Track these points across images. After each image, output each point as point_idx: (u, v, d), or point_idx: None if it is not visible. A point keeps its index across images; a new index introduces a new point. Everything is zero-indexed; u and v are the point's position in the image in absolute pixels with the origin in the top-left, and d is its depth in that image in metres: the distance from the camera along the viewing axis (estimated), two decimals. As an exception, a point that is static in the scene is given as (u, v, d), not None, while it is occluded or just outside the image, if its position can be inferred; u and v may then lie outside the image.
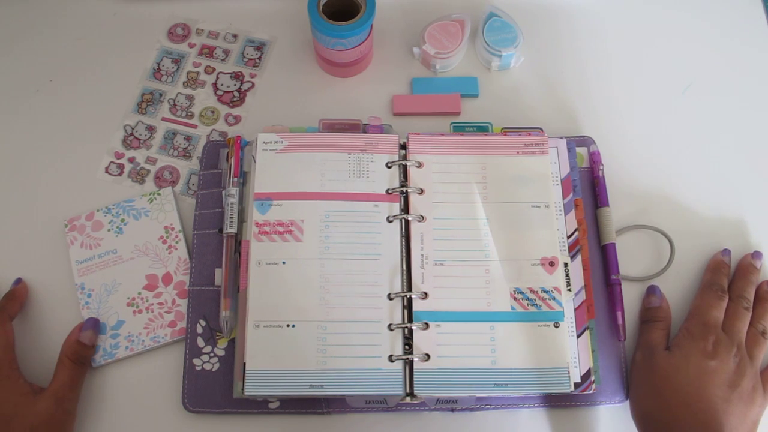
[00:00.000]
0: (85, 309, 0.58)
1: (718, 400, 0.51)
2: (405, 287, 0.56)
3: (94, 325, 0.57)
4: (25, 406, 0.52)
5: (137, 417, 0.56)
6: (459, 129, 0.64)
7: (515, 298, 0.55)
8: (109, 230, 0.61)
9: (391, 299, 0.55)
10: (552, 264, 0.56)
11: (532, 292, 0.55)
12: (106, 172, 0.64)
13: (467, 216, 0.58)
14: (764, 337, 0.56)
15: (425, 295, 0.55)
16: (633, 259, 0.61)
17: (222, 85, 0.68)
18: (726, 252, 0.60)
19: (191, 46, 0.70)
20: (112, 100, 0.67)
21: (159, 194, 0.62)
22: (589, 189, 0.62)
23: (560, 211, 0.59)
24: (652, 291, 0.59)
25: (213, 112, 0.67)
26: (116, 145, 0.65)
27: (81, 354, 0.55)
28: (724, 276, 0.59)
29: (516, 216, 0.58)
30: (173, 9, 0.71)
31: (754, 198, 0.64)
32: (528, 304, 0.55)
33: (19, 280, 0.59)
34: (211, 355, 0.57)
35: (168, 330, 0.57)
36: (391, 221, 0.57)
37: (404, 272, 0.56)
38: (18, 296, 0.58)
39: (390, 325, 0.54)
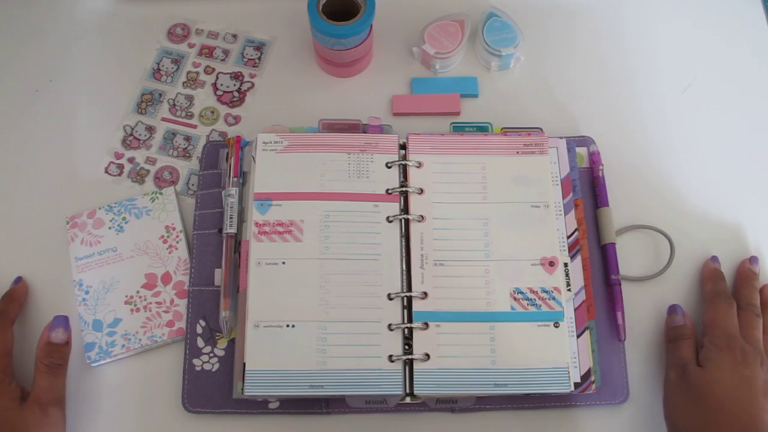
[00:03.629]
0: (82, 305, 0.58)
1: (760, 409, 0.50)
2: (405, 287, 0.56)
3: (64, 323, 0.55)
4: (11, 412, 0.51)
5: (137, 417, 0.56)
6: (459, 129, 0.64)
7: (515, 298, 0.55)
8: (110, 228, 0.61)
9: (390, 299, 0.55)
10: (552, 264, 0.56)
11: (532, 292, 0.55)
12: (106, 172, 0.64)
13: (467, 216, 0.58)
14: None
15: (425, 295, 0.55)
16: (633, 259, 0.61)
17: (222, 85, 0.68)
18: (715, 259, 0.60)
19: (191, 46, 0.70)
20: (112, 101, 0.67)
21: (161, 194, 0.62)
22: (588, 189, 0.62)
23: (560, 211, 0.59)
24: (673, 310, 0.58)
25: (213, 112, 0.67)
26: (116, 145, 0.65)
27: (55, 355, 0.54)
28: (725, 282, 0.58)
29: (516, 216, 0.58)
30: (173, 9, 0.71)
31: (754, 198, 0.64)
32: (528, 304, 0.55)
33: (18, 279, 0.59)
34: (211, 355, 0.57)
35: (165, 330, 0.57)
36: (390, 221, 0.57)
37: (404, 272, 0.56)
38: (17, 297, 0.58)
39: (390, 325, 0.54)
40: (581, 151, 0.63)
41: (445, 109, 0.66)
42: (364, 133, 0.62)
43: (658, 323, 0.59)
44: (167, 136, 0.66)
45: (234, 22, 0.70)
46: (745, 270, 0.59)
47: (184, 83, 0.68)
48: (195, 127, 0.66)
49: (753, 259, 0.60)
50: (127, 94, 0.67)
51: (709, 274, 0.59)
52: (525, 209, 0.58)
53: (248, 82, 0.68)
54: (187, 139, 0.66)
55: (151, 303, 0.58)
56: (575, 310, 0.56)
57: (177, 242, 0.60)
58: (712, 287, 0.58)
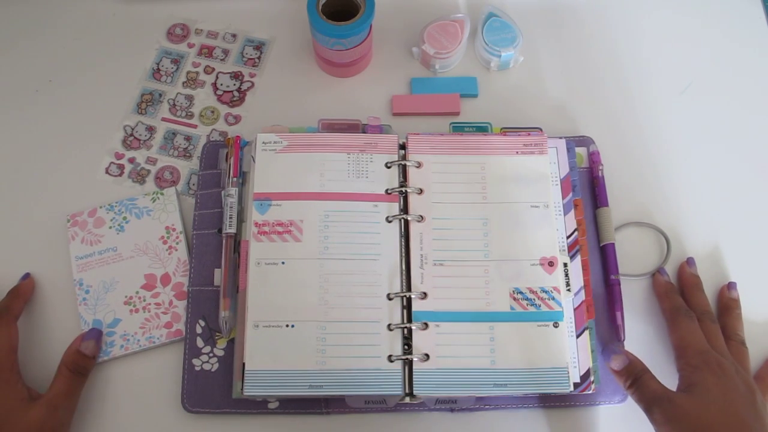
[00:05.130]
0: (82, 305, 0.58)
1: (753, 421, 0.49)
2: (404, 287, 0.56)
3: (97, 336, 0.56)
4: (18, 412, 0.51)
5: (136, 417, 0.56)
6: (458, 129, 0.64)
7: (514, 298, 0.55)
8: (110, 228, 0.61)
9: (390, 299, 0.55)
10: (551, 264, 0.56)
11: (532, 292, 0.55)
12: (107, 172, 0.64)
13: (466, 216, 0.58)
14: (745, 346, 0.56)
15: (424, 295, 0.55)
16: (632, 256, 0.61)
17: (221, 84, 0.68)
18: (663, 271, 0.60)
19: (190, 46, 0.70)
20: (112, 101, 0.67)
21: (162, 194, 0.62)
22: (588, 189, 0.62)
23: (559, 211, 0.59)
24: (612, 352, 0.55)
25: (213, 111, 0.67)
26: (116, 145, 0.65)
27: (80, 364, 0.54)
28: (679, 295, 0.58)
29: (515, 216, 0.58)
30: (172, 9, 0.71)
31: (753, 197, 0.64)
32: (527, 304, 0.55)
33: (26, 276, 0.59)
34: (211, 355, 0.57)
35: (164, 331, 0.57)
36: (390, 221, 0.57)
37: (403, 272, 0.56)
38: (23, 293, 0.58)
39: (389, 325, 0.54)
40: (581, 151, 0.63)
41: (445, 109, 0.66)
42: (364, 133, 0.62)
43: (658, 323, 0.59)
44: (167, 136, 0.66)
45: (233, 21, 0.70)
46: (726, 301, 0.59)
47: (183, 83, 0.68)
48: (195, 126, 0.66)
49: (731, 285, 0.59)
50: (127, 94, 0.67)
51: (663, 291, 0.58)
52: (524, 209, 0.58)
53: (248, 81, 0.68)
54: (188, 138, 0.66)
55: (150, 304, 0.58)
56: (575, 310, 0.56)
57: (177, 243, 0.60)
58: (669, 304, 0.57)
